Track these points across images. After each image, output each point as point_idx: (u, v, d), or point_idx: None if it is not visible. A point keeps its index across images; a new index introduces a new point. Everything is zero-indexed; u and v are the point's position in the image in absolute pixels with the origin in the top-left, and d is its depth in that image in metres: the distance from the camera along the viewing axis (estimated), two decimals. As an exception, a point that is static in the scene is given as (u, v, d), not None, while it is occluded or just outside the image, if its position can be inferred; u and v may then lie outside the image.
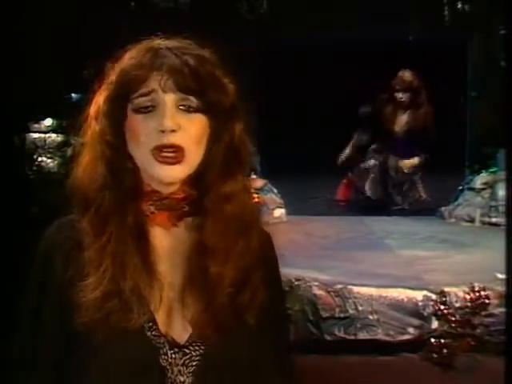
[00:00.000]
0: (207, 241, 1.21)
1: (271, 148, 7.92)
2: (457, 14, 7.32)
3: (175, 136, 1.16)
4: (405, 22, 7.34)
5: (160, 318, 1.21)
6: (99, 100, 1.23)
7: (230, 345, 1.21)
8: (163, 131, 1.16)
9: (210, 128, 1.21)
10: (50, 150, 4.43)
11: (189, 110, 1.19)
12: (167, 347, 1.20)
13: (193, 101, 1.19)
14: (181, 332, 1.21)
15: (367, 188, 6.65)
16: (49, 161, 4.41)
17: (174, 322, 1.21)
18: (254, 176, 6.69)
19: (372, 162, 6.68)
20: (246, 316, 1.22)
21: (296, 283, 3.99)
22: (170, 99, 1.18)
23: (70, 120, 4.20)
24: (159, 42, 1.23)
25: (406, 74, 6.20)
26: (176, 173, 1.18)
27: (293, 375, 1.37)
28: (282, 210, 6.43)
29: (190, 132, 1.18)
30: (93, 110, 1.23)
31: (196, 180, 1.22)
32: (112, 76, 1.22)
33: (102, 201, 1.20)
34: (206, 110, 1.20)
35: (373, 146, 6.70)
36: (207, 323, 1.20)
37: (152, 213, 1.22)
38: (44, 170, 4.29)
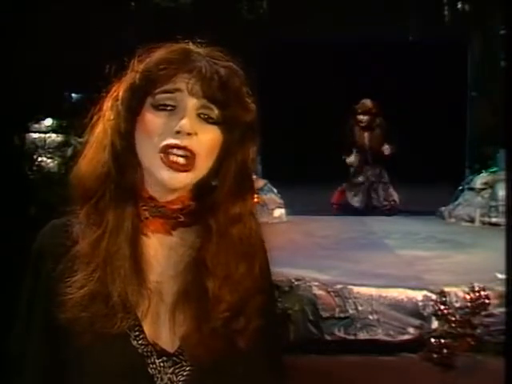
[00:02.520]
0: (209, 261, 1.17)
1: (271, 148, 7.92)
2: (457, 13, 7.32)
3: (189, 140, 1.13)
4: (405, 22, 7.34)
5: (147, 327, 1.18)
6: (118, 91, 1.19)
7: (222, 361, 1.19)
8: (179, 132, 1.13)
9: (224, 143, 1.18)
10: (50, 150, 4.44)
11: (208, 120, 1.16)
12: (155, 356, 1.18)
13: (214, 111, 1.16)
14: (169, 342, 1.19)
15: (356, 200, 7.39)
16: (49, 161, 4.41)
17: (163, 332, 1.19)
18: (254, 176, 6.69)
19: (361, 178, 7.45)
20: (238, 341, 1.19)
21: (296, 283, 3.99)
22: (192, 103, 1.14)
23: (69, 120, 4.21)
24: (193, 47, 1.20)
25: (367, 101, 7.32)
26: (181, 179, 1.14)
27: (284, 372, 1.35)
28: (282, 210, 6.43)
29: (204, 141, 1.15)
30: (109, 100, 1.20)
31: (198, 193, 1.20)
32: (139, 66, 1.18)
33: (102, 195, 1.17)
34: (224, 124, 1.17)
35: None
36: (198, 344, 1.16)
37: (146, 218, 1.19)
38: (44, 169, 4.29)
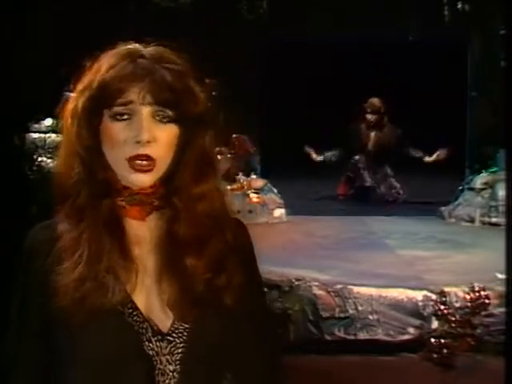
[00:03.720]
0: (180, 235, 1.28)
1: (271, 148, 7.93)
2: (457, 13, 7.32)
3: (150, 147, 1.23)
4: (405, 22, 7.34)
5: (139, 302, 1.25)
6: (77, 101, 1.28)
7: (212, 330, 1.26)
8: (139, 142, 1.23)
9: (181, 136, 1.27)
10: (50, 150, 4.44)
11: (163, 120, 1.25)
12: (150, 333, 1.24)
13: (167, 112, 1.25)
14: (163, 319, 1.26)
15: (361, 180, 7.44)
16: (49, 161, 4.41)
17: (154, 307, 1.26)
18: (254, 176, 6.70)
19: (357, 156, 7.47)
20: (224, 297, 1.27)
21: (296, 283, 3.99)
22: (146, 111, 1.24)
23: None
24: (138, 50, 1.28)
25: (375, 100, 7.32)
26: (147, 179, 1.25)
27: (277, 360, 1.41)
28: (282, 210, 6.43)
29: (163, 142, 1.25)
30: (69, 108, 1.29)
31: (165, 179, 1.29)
32: (90, 81, 1.27)
33: (77, 194, 1.27)
34: (179, 120, 1.26)
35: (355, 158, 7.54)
36: (185, 304, 1.25)
37: (124, 208, 1.29)
38: (44, 170, 4.29)
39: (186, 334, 1.25)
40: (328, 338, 3.90)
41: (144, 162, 1.23)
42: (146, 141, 1.22)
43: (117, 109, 1.24)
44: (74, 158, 1.28)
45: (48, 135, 4.60)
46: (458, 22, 7.33)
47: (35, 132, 4.69)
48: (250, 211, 6.07)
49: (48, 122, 4.75)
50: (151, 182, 1.26)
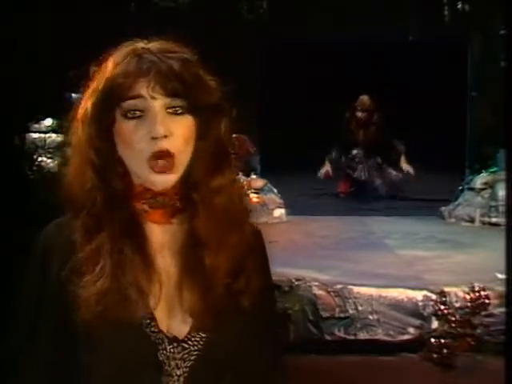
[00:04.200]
0: (200, 232, 1.24)
1: (271, 148, 7.93)
2: (457, 14, 7.32)
3: (167, 141, 1.19)
4: (405, 22, 7.34)
5: (159, 314, 1.22)
6: (87, 104, 1.24)
7: (228, 339, 1.24)
8: (155, 137, 1.18)
9: (197, 127, 1.23)
10: (50, 150, 4.44)
11: (176, 112, 1.21)
12: (166, 342, 1.22)
13: (180, 103, 1.21)
14: (180, 326, 1.23)
15: (358, 173, 7.52)
16: (49, 161, 4.41)
17: (174, 316, 1.23)
18: (254, 176, 6.70)
19: (355, 151, 7.56)
20: (241, 300, 1.25)
21: (296, 283, 3.99)
22: (158, 104, 1.20)
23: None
24: (142, 45, 1.25)
25: (365, 98, 7.42)
26: (169, 179, 1.21)
27: (284, 371, 1.39)
28: (282, 210, 6.43)
29: (180, 135, 1.21)
30: (80, 113, 1.25)
31: (185, 176, 1.25)
32: (98, 82, 1.23)
33: (92, 203, 1.22)
34: (192, 111, 1.22)
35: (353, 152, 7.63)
36: (206, 312, 1.22)
37: (146, 211, 1.24)
38: (44, 169, 4.29)
39: (202, 342, 1.23)
40: (328, 337, 3.90)
41: (164, 162, 1.19)
42: (162, 135, 1.18)
43: (127, 105, 1.20)
44: (86, 166, 1.23)
45: (48, 135, 4.60)
46: (458, 22, 7.33)
47: (35, 132, 4.69)
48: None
49: (48, 121, 4.76)
50: (173, 181, 1.21)
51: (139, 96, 1.19)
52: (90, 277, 1.18)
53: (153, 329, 1.22)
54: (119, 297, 1.18)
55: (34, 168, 4.27)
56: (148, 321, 1.22)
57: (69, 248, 1.22)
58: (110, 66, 1.23)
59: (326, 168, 7.61)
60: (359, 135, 7.43)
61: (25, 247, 1.32)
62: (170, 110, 1.20)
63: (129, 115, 1.20)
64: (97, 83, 1.23)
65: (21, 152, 4.24)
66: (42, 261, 1.25)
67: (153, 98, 1.19)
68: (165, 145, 1.18)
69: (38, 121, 4.69)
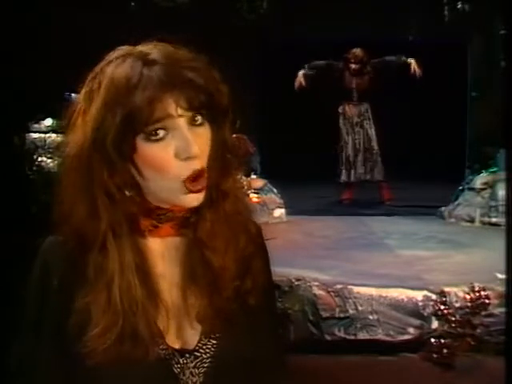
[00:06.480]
0: (206, 237, 1.20)
1: (271, 148, 7.94)
2: (457, 14, 7.33)
3: (199, 159, 1.14)
4: (405, 22, 7.34)
5: (167, 331, 1.20)
6: (98, 134, 1.12)
7: (239, 344, 1.22)
8: (189, 158, 1.12)
9: (212, 133, 1.18)
10: (50, 150, 4.43)
11: (196, 123, 1.15)
12: (178, 356, 1.20)
13: (200, 115, 1.15)
14: (190, 336, 1.21)
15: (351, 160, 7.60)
16: (49, 161, 4.40)
17: (183, 328, 1.21)
18: (254, 176, 6.71)
19: (344, 138, 7.71)
20: (248, 300, 1.23)
21: (296, 283, 3.99)
22: (183, 120, 1.12)
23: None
24: (147, 57, 1.13)
25: (358, 50, 7.61)
26: (202, 196, 1.16)
27: (286, 370, 1.39)
28: (282, 210, 6.44)
29: (205, 150, 1.16)
30: (86, 144, 1.13)
31: None
32: (105, 102, 1.12)
33: (102, 241, 1.15)
34: (210, 119, 1.17)
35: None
36: (214, 315, 1.20)
37: (156, 227, 1.20)
38: (44, 169, 4.28)
39: (213, 349, 1.21)
40: (328, 338, 3.90)
41: (200, 182, 1.13)
42: (195, 155, 1.12)
43: (153, 128, 1.10)
44: (91, 192, 1.14)
45: (48, 135, 4.59)
46: (458, 22, 7.34)
47: (35, 132, 4.68)
48: (250, 211, 6.07)
49: (48, 121, 4.75)
50: (203, 198, 1.16)
51: (167, 117, 1.11)
52: (101, 328, 1.13)
53: (161, 346, 1.18)
54: (129, 332, 1.14)
55: (34, 168, 4.27)
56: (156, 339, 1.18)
57: (66, 267, 1.18)
58: (119, 84, 1.11)
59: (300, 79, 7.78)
60: (352, 84, 7.69)
61: (25, 247, 1.31)
62: (192, 124, 1.14)
63: (151, 138, 1.11)
64: (103, 101, 1.12)
65: (21, 152, 4.23)
66: (41, 276, 1.21)
67: (178, 116, 1.11)
68: (198, 165, 1.13)
69: (38, 121, 4.69)
